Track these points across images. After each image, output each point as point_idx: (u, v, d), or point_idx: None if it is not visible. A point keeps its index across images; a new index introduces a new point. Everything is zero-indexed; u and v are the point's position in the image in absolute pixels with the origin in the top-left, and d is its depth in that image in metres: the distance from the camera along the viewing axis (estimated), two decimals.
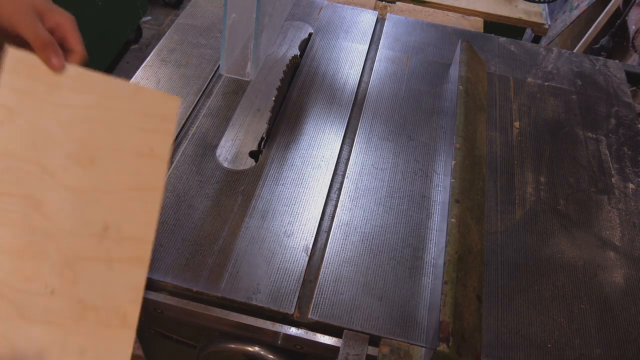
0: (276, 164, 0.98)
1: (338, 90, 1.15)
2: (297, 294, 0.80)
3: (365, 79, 1.20)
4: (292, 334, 0.77)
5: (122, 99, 0.64)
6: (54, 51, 0.61)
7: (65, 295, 0.57)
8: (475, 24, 1.61)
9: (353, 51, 1.25)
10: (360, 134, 1.06)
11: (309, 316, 0.78)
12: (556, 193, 1.00)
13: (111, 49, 2.65)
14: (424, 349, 0.75)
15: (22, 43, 0.62)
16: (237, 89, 1.12)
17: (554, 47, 1.36)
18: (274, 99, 1.05)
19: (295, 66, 1.19)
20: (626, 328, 0.82)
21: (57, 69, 0.61)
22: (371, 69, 1.21)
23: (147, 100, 0.66)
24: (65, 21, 0.65)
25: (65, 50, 0.65)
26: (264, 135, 1.02)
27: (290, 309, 0.78)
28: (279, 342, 0.79)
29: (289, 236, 0.87)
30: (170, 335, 0.96)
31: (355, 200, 0.94)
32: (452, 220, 0.83)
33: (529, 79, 1.24)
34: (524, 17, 1.81)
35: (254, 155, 1.00)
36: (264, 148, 1.01)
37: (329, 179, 0.97)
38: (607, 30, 2.15)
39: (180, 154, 0.98)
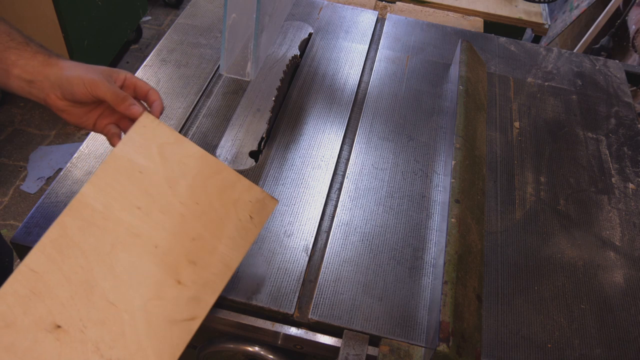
0: (276, 164, 0.98)
1: (338, 90, 1.15)
2: (297, 294, 0.80)
3: (365, 79, 1.20)
4: (292, 334, 0.77)
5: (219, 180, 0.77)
6: (132, 102, 0.73)
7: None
8: (475, 24, 1.61)
9: (353, 51, 1.25)
10: (360, 134, 1.06)
11: (309, 316, 0.78)
12: (556, 193, 1.00)
13: (111, 49, 2.65)
14: (424, 349, 0.75)
15: (91, 110, 0.77)
16: (237, 89, 1.12)
17: (554, 47, 1.36)
18: (274, 99, 1.05)
19: (295, 66, 1.19)
20: (626, 328, 0.82)
21: (138, 115, 0.73)
22: (371, 69, 1.21)
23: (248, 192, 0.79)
24: (128, 76, 0.77)
25: (141, 98, 0.78)
26: (264, 135, 1.02)
27: (290, 309, 0.78)
28: (279, 342, 0.79)
29: (289, 236, 0.87)
30: None
31: (355, 200, 0.94)
32: (452, 220, 0.83)
33: (529, 79, 1.24)
34: (524, 17, 1.81)
35: (254, 155, 1.00)
36: (264, 148, 1.01)
37: (329, 179, 0.97)
38: (607, 30, 2.15)
39: None
